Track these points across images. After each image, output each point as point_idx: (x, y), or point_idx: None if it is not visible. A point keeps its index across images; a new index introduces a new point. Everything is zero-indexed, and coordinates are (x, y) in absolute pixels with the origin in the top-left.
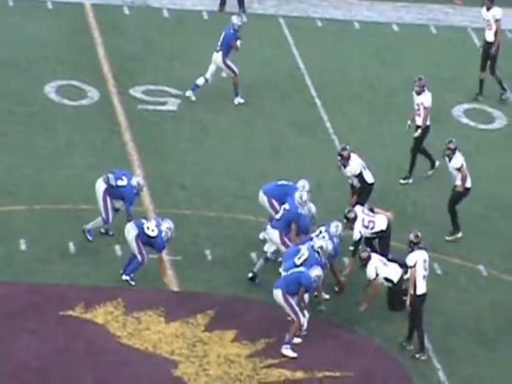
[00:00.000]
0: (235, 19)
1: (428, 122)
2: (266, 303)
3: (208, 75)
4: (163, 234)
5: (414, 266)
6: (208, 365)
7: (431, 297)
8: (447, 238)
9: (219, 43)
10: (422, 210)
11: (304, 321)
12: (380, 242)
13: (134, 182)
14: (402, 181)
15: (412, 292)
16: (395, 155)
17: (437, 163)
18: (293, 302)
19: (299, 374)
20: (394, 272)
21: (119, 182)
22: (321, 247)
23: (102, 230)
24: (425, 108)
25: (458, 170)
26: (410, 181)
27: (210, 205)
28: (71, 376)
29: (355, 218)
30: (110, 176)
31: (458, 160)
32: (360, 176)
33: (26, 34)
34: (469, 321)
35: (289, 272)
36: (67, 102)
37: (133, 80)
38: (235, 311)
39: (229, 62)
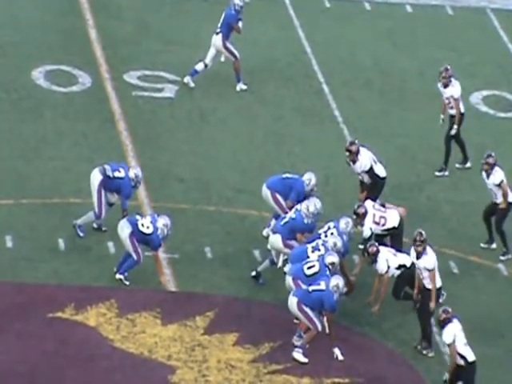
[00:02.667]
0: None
1: (462, 110)
2: (270, 304)
3: (207, 60)
4: (159, 231)
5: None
6: (208, 370)
7: (447, 297)
8: (501, 258)
9: (219, 25)
10: (436, 205)
11: (321, 327)
12: (392, 240)
13: (131, 173)
14: (437, 173)
15: (417, 289)
16: (408, 145)
17: (468, 163)
18: (307, 309)
19: (306, 381)
20: (405, 258)
21: (116, 174)
22: (332, 263)
23: (95, 226)
24: (455, 99)
25: (499, 186)
26: (446, 173)
27: (209, 199)
28: (60, 382)
29: (365, 213)
30: (107, 167)
31: (499, 175)
32: (371, 171)
33: (11, 15)
34: (487, 323)
35: (310, 288)
36: (56, 88)
37: (127, 65)
38: (237, 313)
39: (229, 45)
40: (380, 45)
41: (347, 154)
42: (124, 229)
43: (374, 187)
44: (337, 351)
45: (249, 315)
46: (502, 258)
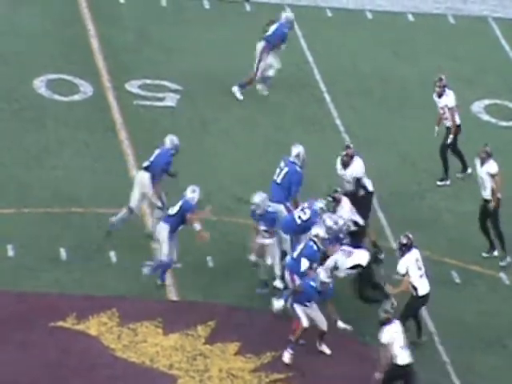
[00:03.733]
0: (290, 15)
1: (458, 121)
2: (271, 313)
3: (275, 64)
4: (189, 199)
5: (407, 272)
6: (209, 380)
7: (449, 307)
8: (501, 264)
9: (267, 34)
10: (438, 214)
11: (306, 323)
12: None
13: (167, 142)
14: (439, 182)
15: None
16: (409, 153)
17: (469, 170)
18: (296, 305)
19: None
20: (360, 256)
21: (154, 157)
22: (316, 235)
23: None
24: (449, 109)
25: (492, 176)
26: (448, 182)
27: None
28: None
29: (341, 200)
30: (145, 163)
31: (494, 166)
32: (359, 181)
33: (13, 24)
34: (489, 333)
35: (294, 254)
36: (58, 97)
37: (128, 74)
38: (238, 322)
39: (265, 57)
40: (381, 54)
41: (343, 154)
42: (162, 232)
43: (362, 203)
44: (341, 324)
45: (250, 324)
46: (501, 263)
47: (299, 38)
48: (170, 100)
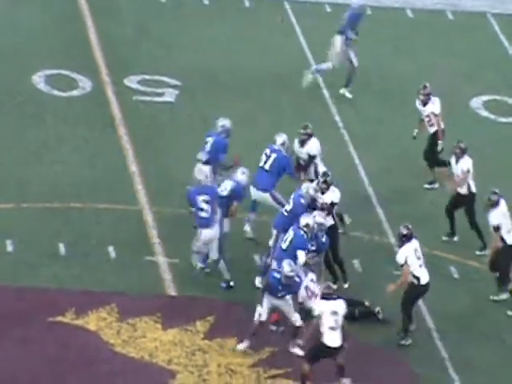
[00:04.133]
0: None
1: (442, 126)
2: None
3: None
4: (240, 180)
5: (406, 262)
6: (208, 375)
7: (447, 302)
8: (477, 253)
9: (344, 26)
10: (437, 210)
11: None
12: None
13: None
14: (427, 185)
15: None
16: (409, 149)
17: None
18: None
19: None
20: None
21: (207, 148)
22: (306, 225)
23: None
24: (435, 115)
25: (466, 173)
26: (436, 185)
27: None
28: None
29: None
30: (199, 156)
31: (468, 163)
32: (312, 159)
33: (11, 19)
34: (488, 328)
35: (283, 246)
36: (57, 92)
37: (127, 69)
38: (237, 317)
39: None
40: (380, 50)
41: (301, 133)
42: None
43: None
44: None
45: (249, 320)
46: (478, 252)
47: (298, 33)
48: (169, 95)
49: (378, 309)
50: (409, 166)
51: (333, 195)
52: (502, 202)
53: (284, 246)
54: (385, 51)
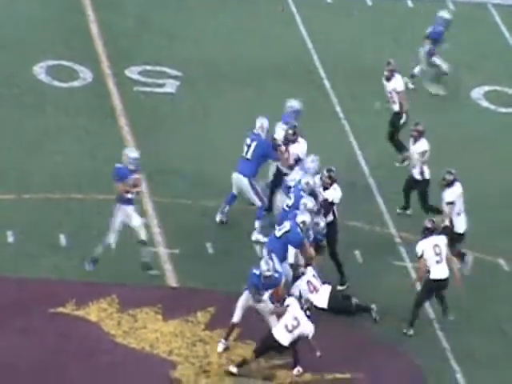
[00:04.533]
0: (446, 14)
1: (406, 106)
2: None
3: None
4: (308, 169)
5: (422, 255)
6: (209, 366)
7: (449, 293)
8: (398, 211)
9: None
10: (438, 201)
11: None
12: None
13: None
14: (397, 164)
15: (419, 277)
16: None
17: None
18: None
19: (307, 376)
20: (321, 298)
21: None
22: (303, 222)
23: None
24: (398, 93)
25: (421, 155)
26: (406, 163)
27: (211, 194)
28: (62, 377)
29: (335, 180)
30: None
31: (424, 145)
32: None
33: (12, 10)
34: (489, 319)
35: (277, 234)
36: (58, 83)
37: (128, 60)
38: None
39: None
40: (381, 40)
41: (290, 132)
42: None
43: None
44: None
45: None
46: (398, 210)
47: (299, 23)
48: (170, 86)
49: (373, 307)
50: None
51: (334, 193)
52: (458, 184)
53: (278, 233)
54: (385, 42)
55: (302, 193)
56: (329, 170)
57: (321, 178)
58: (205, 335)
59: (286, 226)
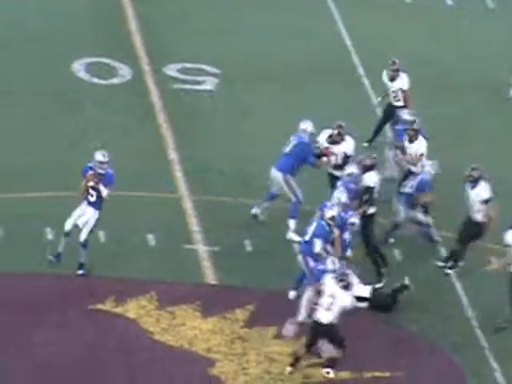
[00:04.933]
0: None
1: (410, 102)
2: None
3: None
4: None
5: (510, 245)
6: (247, 363)
7: (487, 291)
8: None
9: None
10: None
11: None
12: None
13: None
14: (365, 144)
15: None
16: (450, 138)
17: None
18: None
19: (345, 375)
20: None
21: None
22: (332, 218)
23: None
24: (403, 91)
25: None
26: (374, 144)
27: (249, 192)
28: (100, 374)
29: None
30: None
31: (422, 144)
32: (347, 158)
33: (51, 7)
34: (498, 314)
35: (306, 238)
36: (97, 80)
37: (167, 57)
38: (276, 306)
39: None
40: (421, 37)
41: (335, 133)
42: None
43: None
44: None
45: (288, 308)
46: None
47: (337, 21)
48: (210, 84)
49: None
50: (462, 149)
51: (346, 145)
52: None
53: (307, 237)
54: (425, 39)
55: (351, 186)
56: (339, 126)
57: (329, 136)
58: (243, 332)
59: (313, 225)
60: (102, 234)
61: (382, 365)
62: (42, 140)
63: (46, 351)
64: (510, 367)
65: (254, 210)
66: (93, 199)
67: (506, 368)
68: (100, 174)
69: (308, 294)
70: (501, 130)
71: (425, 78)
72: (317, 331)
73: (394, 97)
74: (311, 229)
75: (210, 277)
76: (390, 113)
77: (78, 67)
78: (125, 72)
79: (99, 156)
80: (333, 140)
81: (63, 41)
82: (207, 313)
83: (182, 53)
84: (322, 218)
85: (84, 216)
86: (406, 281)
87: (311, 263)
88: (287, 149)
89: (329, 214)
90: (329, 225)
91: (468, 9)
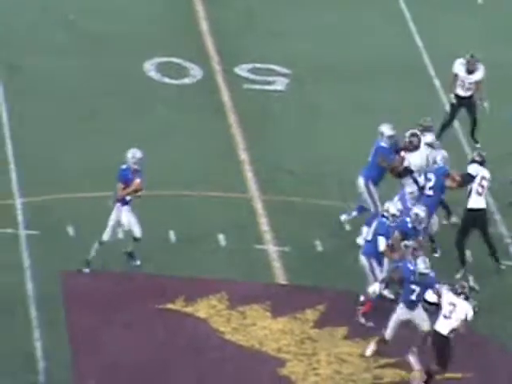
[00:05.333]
0: None
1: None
2: (380, 298)
3: None
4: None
5: None
6: (317, 363)
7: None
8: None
9: None
10: None
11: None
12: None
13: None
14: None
15: None
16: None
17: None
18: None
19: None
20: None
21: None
22: (393, 215)
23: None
24: (478, 83)
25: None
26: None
27: (320, 192)
28: (170, 373)
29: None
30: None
31: (430, 139)
32: (411, 173)
33: (121, 6)
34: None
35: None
36: (168, 80)
37: (238, 57)
38: (347, 306)
39: None
40: (493, 39)
41: (408, 142)
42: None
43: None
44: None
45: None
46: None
47: (408, 21)
48: (280, 84)
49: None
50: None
51: (414, 158)
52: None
53: (369, 237)
54: (496, 41)
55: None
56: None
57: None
58: (314, 333)
59: (374, 224)
60: (172, 234)
61: (453, 366)
62: (114, 139)
63: (115, 350)
64: None
65: (343, 218)
66: (128, 198)
67: None
68: (138, 171)
69: (398, 312)
70: None
71: (496, 80)
72: (435, 341)
73: (468, 89)
74: (372, 228)
75: (281, 277)
76: (459, 105)
77: (149, 67)
78: (196, 72)
79: (138, 153)
80: (405, 147)
81: (134, 41)
82: (277, 313)
83: (253, 53)
84: (383, 215)
85: (123, 216)
86: (471, 282)
87: (375, 266)
88: (370, 156)
89: (391, 209)
90: (388, 219)
91: None
